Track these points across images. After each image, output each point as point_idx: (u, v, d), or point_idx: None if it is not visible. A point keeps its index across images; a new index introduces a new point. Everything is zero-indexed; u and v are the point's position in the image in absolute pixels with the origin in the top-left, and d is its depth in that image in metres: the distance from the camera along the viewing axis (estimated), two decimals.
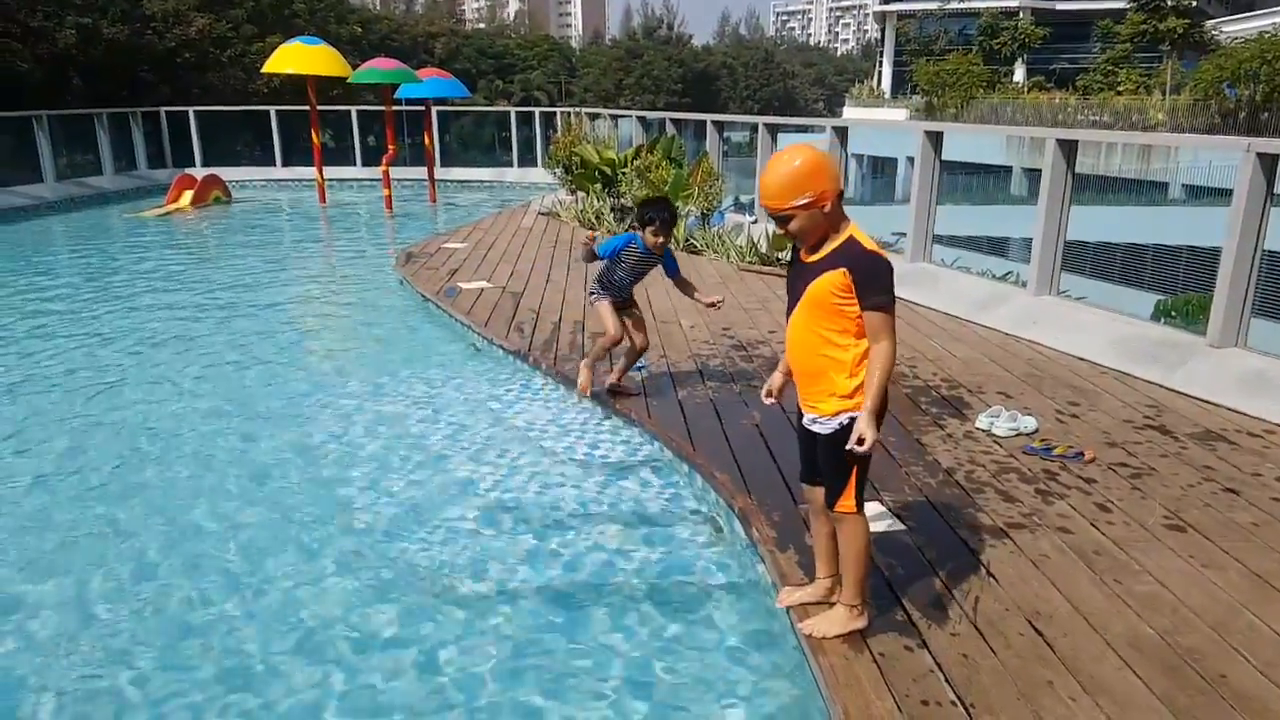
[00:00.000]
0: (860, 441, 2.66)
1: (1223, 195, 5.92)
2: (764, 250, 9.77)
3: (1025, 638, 3.05)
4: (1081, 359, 6.28)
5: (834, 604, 3.09)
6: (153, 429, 5.64)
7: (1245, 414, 5.17)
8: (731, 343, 6.83)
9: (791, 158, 2.60)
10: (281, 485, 4.86)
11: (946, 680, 2.82)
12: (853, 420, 2.73)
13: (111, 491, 4.76)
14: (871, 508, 3.97)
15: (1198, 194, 16.02)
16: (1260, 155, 5.45)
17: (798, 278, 2.79)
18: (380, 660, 3.32)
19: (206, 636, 3.48)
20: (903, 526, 3.84)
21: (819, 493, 2.99)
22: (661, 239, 5.34)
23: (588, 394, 5.76)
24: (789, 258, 2.98)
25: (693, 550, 4.08)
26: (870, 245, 2.67)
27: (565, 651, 3.34)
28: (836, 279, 2.64)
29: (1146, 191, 16.91)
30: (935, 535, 3.77)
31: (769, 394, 3.18)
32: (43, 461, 5.13)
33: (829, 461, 2.87)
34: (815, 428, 2.87)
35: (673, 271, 5.62)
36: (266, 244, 13.06)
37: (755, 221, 10.97)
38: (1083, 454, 4.57)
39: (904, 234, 8.86)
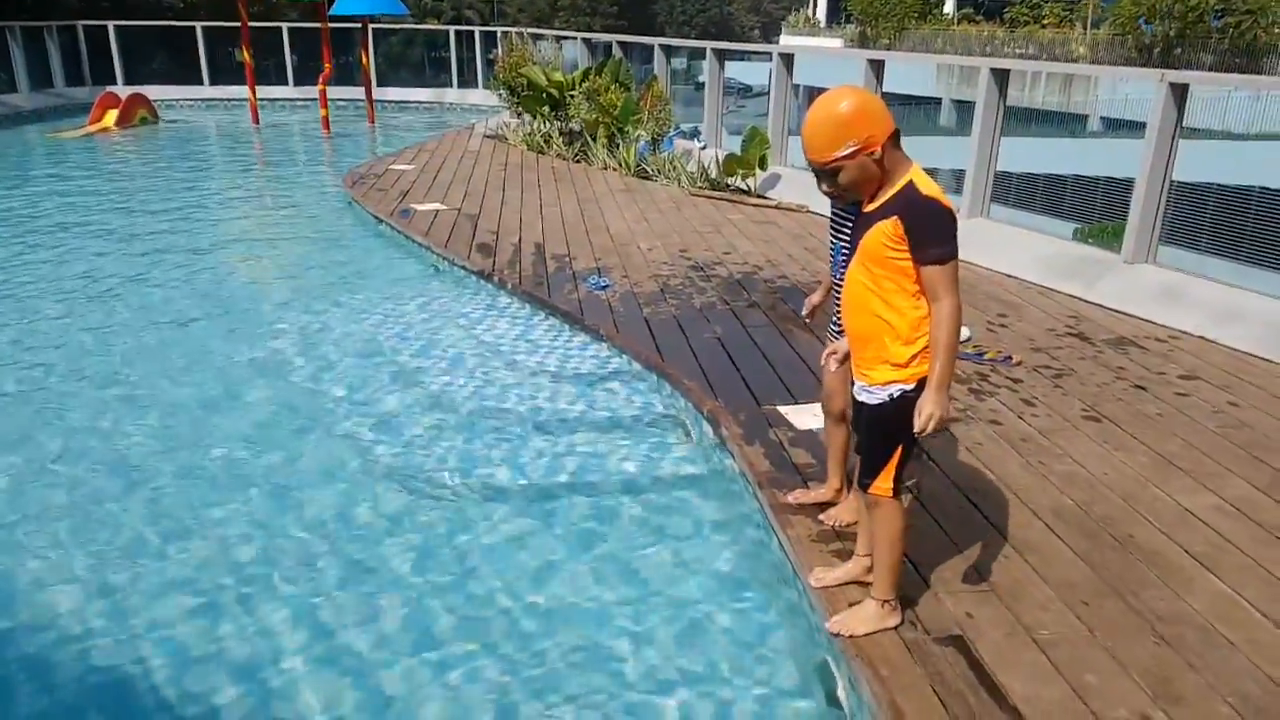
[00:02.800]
0: (928, 421, 2.38)
1: (1138, 128, 6.39)
2: (714, 176, 10.03)
3: (963, 510, 3.52)
4: (1009, 276, 6.79)
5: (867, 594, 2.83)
6: (106, 357, 5.74)
7: (1154, 322, 5.74)
8: (689, 264, 7.14)
9: (832, 103, 2.31)
10: (255, 401, 5.02)
11: None
12: (904, 394, 2.47)
13: (82, 428, 4.88)
14: (816, 407, 4.40)
15: (1115, 126, 16.71)
16: (1172, 85, 5.92)
17: (858, 229, 2.50)
18: (375, 552, 3.59)
19: (203, 538, 3.74)
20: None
21: None
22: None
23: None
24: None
25: (664, 450, 4.44)
26: (929, 190, 2.36)
27: (549, 542, 3.66)
28: (888, 228, 2.34)
29: (1068, 123, 17.57)
30: None
31: (833, 353, 2.91)
32: None
33: (871, 435, 2.62)
34: (863, 396, 2.59)
35: None
36: (203, 167, 12.76)
37: (704, 147, 11.19)
38: (1011, 358, 5.07)
39: None
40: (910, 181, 2.36)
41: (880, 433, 2.58)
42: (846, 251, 2.75)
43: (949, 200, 2.39)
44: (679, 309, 6.01)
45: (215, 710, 2.77)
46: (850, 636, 2.72)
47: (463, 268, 7.15)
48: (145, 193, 10.64)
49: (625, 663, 2.97)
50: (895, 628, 2.77)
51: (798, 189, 9.42)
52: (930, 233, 2.33)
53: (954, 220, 2.38)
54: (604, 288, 6.44)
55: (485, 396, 5.04)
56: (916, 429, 2.41)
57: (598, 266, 7.00)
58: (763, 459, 3.91)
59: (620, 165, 11.12)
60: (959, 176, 8.04)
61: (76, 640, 3.07)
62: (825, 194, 2.71)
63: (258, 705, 2.80)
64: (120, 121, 15.17)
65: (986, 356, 5.09)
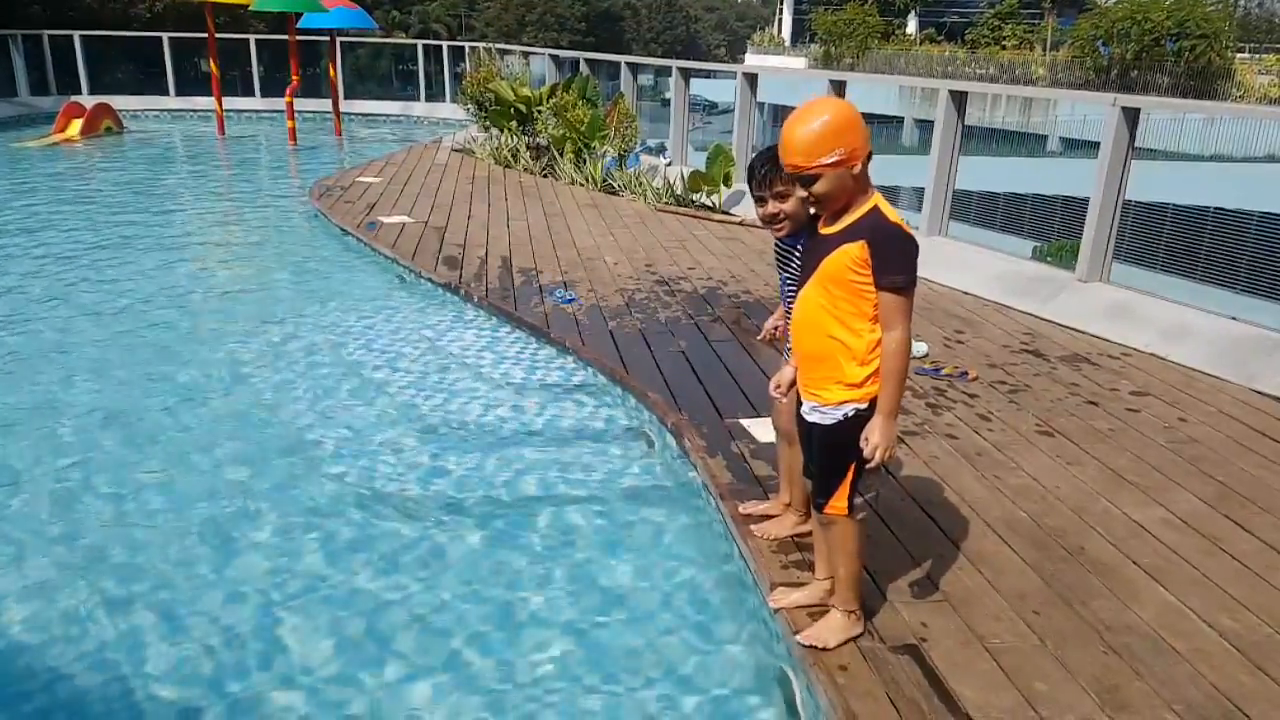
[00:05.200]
0: (874, 451, 2.44)
1: (1095, 147, 6.58)
2: (679, 192, 10.13)
3: (919, 521, 3.59)
4: (966, 293, 6.93)
5: (830, 608, 2.86)
6: (66, 363, 5.67)
7: (1107, 339, 5.89)
8: (655, 278, 7.20)
9: (821, 110, 2.29)
10: (219, 412, 4.98)
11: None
12: (858, 413, 2.49)
13: (41, 433, 4.82)
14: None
15: (1073, 146, 17.10)
16: (1124, 109, 6.11)
17: (812, 252, 2.50)
18: (340, 566, 3.58)
19: (162, 548, 3.71)
20: None
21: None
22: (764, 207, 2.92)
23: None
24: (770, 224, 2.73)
25: (628, 462, 4.47)
26: (895, 218, 2.39)
27: (513, 552, 3.68)
28: (855, 252, 2.34)
29: (1027, 143, 17.95)
30: None
31: (778, 387, 2.92)
32: None
33: (825, 456, 2.61)
34: (814, 417, 2.58)
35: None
36: (168, 176, 12.63)
37: (670, 164, 11.29)
38: (967, 373, 5.18)
39: None
40: (876, 207, 2.38)
41: (834, 453, 2.59)
42: (793, 283, 2.78)
43: (912, 230, 2.43)
44: (644, 323, 6.06)
45: (187, 700, 2.75)
46: (824, 649, 2.75)
47: (429, 280, 7.15)
48: (109, 203, 10.50)
49: (586, 671, 2.99)
50: (857, 637, 2.82)
51: None
52: (895, 259, 2.35)
53: (917, 250, 2.40)
54: (570, 301, 6.47)
55: (451, 408, 5.05)
56: (865, 457, 2.46)
57: (564, 280, 7.04)
58: (725, 471, 3.95)
59: (587, 180, 11.18)
60: (921, 194, 8.19)
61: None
62: (764, 219, 2.77)
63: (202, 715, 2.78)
64: (85, 131, 14.97)
65: (944, 372, 5.19)
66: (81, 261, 7.86)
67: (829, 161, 2.28)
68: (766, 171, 2.76)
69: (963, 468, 4.06)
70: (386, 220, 8.97)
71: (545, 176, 11.93)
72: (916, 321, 6.09)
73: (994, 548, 3.42)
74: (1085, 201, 6.43)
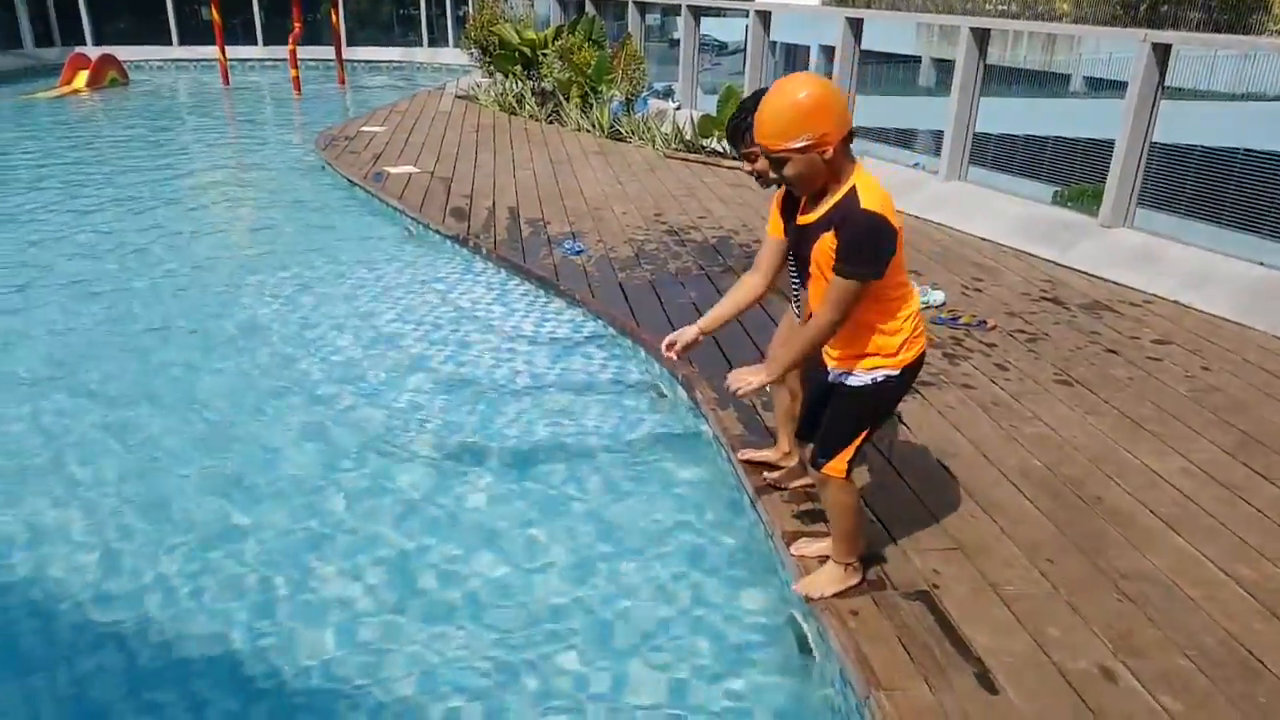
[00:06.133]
0: (736, 381, 2.45)
1: (1121, 88, 6.37)
2: (689, 137, 9.94)
3: (933, 470, 3.55)
4: (986, 239, 6.80)
5: (826, 559, 2.86)
6: (86, 312, 5.67)
7: (1129, 286, 5.77)
8: (664, 228, 7.10)
9: (794, 89, 2.14)
10: (230, 364, 4.98)
11: (867, 504, 3.28)
12: (888, 379, 2.44)
13: (62, 386, 4.83)
14: None
15: (1097, 86, 16.66)
16: (1155, 46, 5.90)
17: (799, 241, 2.39)
18: (356, 512, 3.60)
19: (181, 496, 3.72)
20: None
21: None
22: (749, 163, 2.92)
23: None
24: (784, 196, 2.49)
25: (639, 414, 4.44)
26: (870, 202, 2.20)
27: (524, 502, 3.68)
28: (831, 241, 2.22)
29: (1049, 84, 17.50)
30: None
31: (670, 346, 2.68)
32: None
33: (840, 414, 2.53)
34: (843, 379, 2.51)
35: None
36: (173, 128, 12.53)
37: (679, 108, 11.08)
38: (985, 322, 5.09)
39: None
40: (853, 188, 2.21)
41: (852, 413, 2.53)
42: (795, 275, 2.82)
43: (891, 209, 2.22)
44: (654, 274, 5.98)
45: (221, 645, 2.78)
46: (820, 598, 2.77)
47: (437, 232, 7.08)
48: (115, 156, 10.43)
49: (600, 617, 3.00)
50: (857, 585, 2.82)
51: None
52: (858, 251, 2.19)
53: (891, 238, 2.22)
54: (579, 253, 6.39)
55: (462, 361, 5.02)
56: (728, 382, 2.45)
57: (572, 231, 6.95)
58: (736, 422, 3.92)
59: (594, 126, 11.00)
60: (938, 137, 8.01)
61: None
62: (749, 173, 2.69)
63: (236, 657, 2.81)
64: (91, 83, 14.87)
65: (961, 321, 5.10)
66: (89, 214, 7.82)
67: (796, 146, 2.15)
68: (736, 125, 2.70)
69: (979, 417, 4.00)
70: (393, 171, 8.87)
71: (551, 123, 11.75)
72: (935, 269, 6.06)
73: (1009, 497, 3.38)
74: (1109, 144, 6.25)
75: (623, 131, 10.65)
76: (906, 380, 2.52)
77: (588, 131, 11.09)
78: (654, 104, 11.35)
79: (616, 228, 7.08)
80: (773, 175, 2.35)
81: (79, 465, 3.92)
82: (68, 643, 2.90)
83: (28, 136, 11.33)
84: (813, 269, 2.34)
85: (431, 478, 3.86)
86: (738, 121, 2.71)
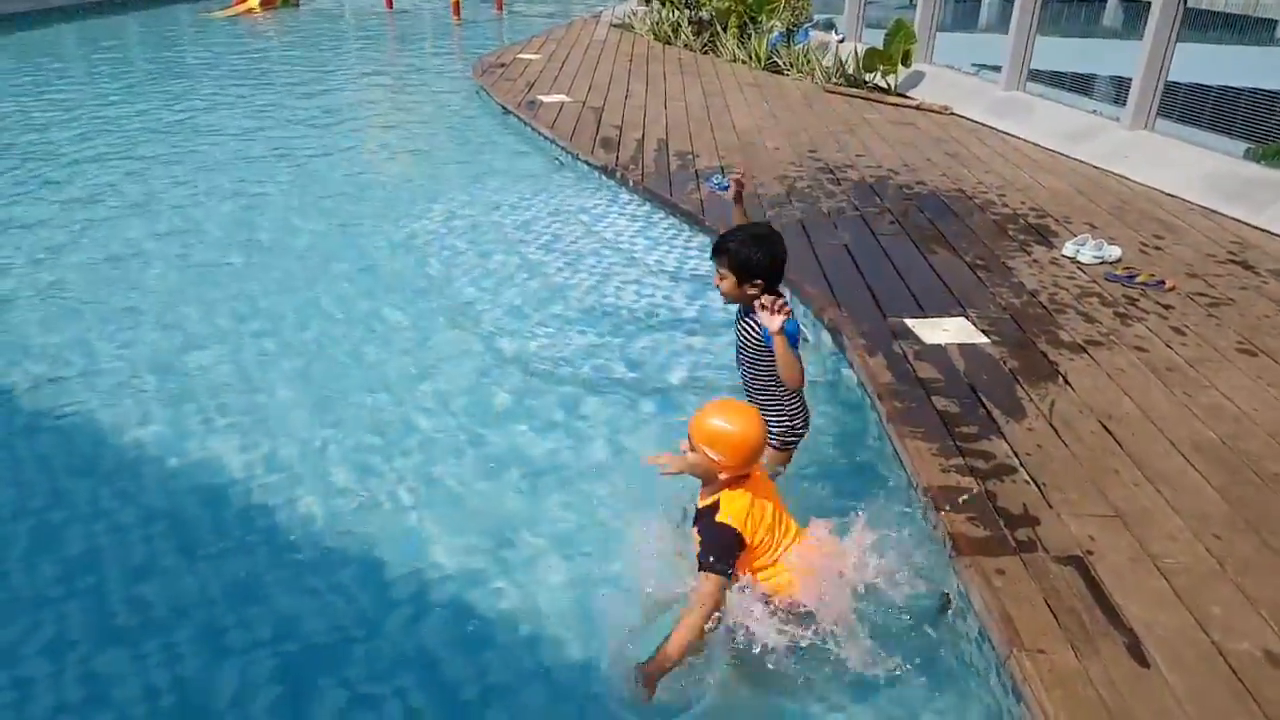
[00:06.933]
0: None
1: None
2: (851, 71, 9.57)
3: (1096, 435, 3.37)
4: (1169, 194, 6.30)
5: None
6: (256, 225, 6.06)
7: None
8: (818, 165, 6.91)
9: (732, 420, 2.48)
10: (385, 283, 5.20)
11: (1022, 464, 3.17)
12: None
13: (230, 291, 5.16)
14: (955, 322, 4.26)
15: None
16: None
17: (698, 518, 2.64)
18: (498, 428, 3.76)
19: (345, 405, 3.96)
20: (986, 340, 4.11)
21: None
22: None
23: None
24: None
25: None
26: (724, 514, 2.51)
27: (660, 435, 3.71)
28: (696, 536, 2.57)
29: (1251, 30, 15.84)
30: (1017, 348, 4.04)
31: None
32: (176, 244, 5.58)
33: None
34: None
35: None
36: (341, 50, 13.05)
37: (842, 40, 10.66)
38: (1164, 282, 4.74)
39: (985, 66, 8.66)
40: (717, 502, 2.53)
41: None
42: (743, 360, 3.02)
43: (740, 522, 2.49)
44: (804, 213, 5.85)
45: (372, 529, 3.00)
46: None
47: (586, 162, 7.13)
48: (284, 76, 10.97)
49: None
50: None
51: (942, 89, 8.90)
52: (706, 550, 2.49)
53: (726, 546, 2.48)
54: (726, 188, 6.25)
55: (604, 292, 5.08)
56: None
57: (721, 165, 6.86)
58: (885, 371, 3.82)
59: (750, 58, 10.73)
60: (1121, 84, 7.41)
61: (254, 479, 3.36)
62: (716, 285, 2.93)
63: (399, 549, 3.03)
64: (264, 3, 15.59)
65: (1138, 279, 4.77)
66: (255, 135, 8.28)
67: (706, 452, 2.47)
68: (727, 247, 2.84)
69: (1150, 382, 3.76)
70: (546, 99, 8.95)
71: (706, 53, 11.54)
72: (1112, 222, 5.68)
73: (1177, 467, 3.19)
74: None
75: (780, 64, 10.36)
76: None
77: (743, 63, 10.84)
78: (815, 36, 10.95)
79: (768, 163, 6.94)
80: (732, 287, 2.79)
81: (254, 368, 4.24)
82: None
83: (205, 53, 12.04)
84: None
85: (569, 402, 3.96)
86: (729, 243, 2.85)
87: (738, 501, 2.55)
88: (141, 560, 3.02)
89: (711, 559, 2.49)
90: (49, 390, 3.99)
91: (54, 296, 4.90)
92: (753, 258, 2.78)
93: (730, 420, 2.49)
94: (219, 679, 2.58)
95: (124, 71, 10.98)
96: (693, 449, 2.52)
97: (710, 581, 2.50)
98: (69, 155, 7.42)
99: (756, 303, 2.70)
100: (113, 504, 3.28)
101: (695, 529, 2.60)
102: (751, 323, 2.90)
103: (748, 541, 2.53)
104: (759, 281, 2.80)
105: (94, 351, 4.33)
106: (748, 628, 2.52)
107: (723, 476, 2.53)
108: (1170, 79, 6.93)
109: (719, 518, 2.53)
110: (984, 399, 3.59)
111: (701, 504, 2.60)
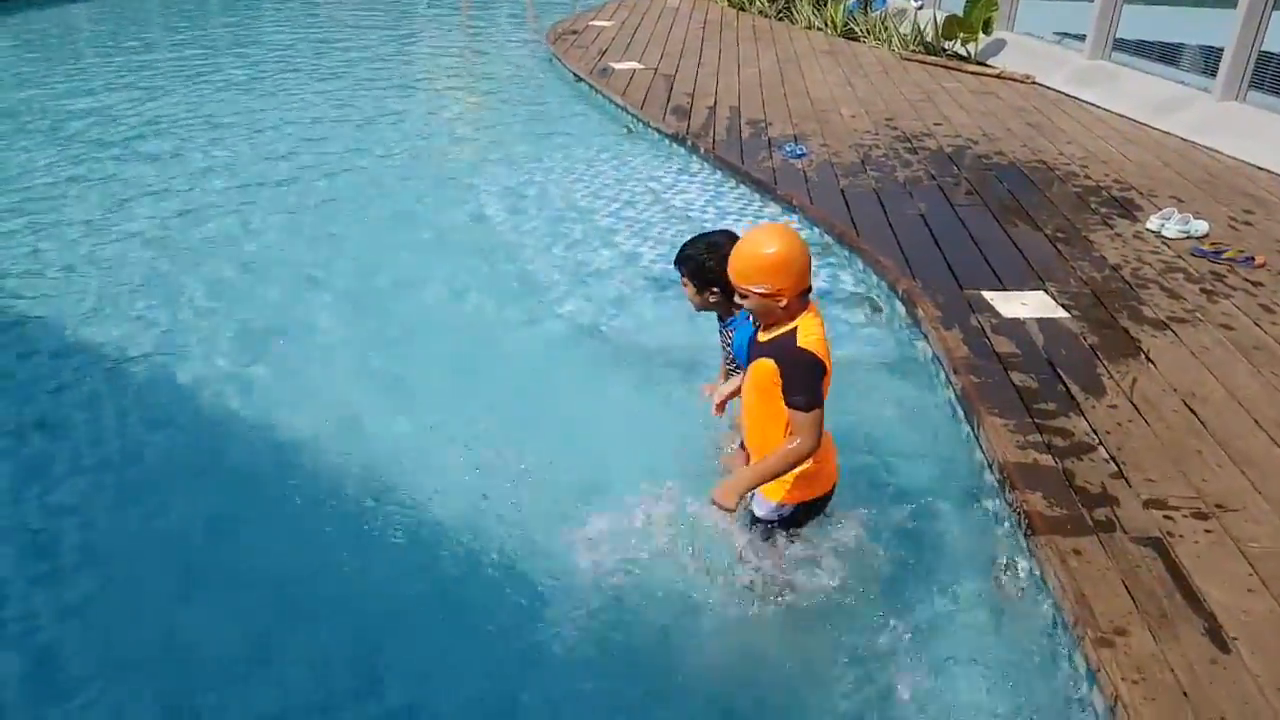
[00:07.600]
0: (711, 500, 2.57)
1: None
2: (930, 39, 9.33)
3: (1179, 415, 3.30)
4: (1262, 169, 6.04)
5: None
6: (327, 184, 6.21)
7: None
8: (895, 134, 6.79)
9: (765, 243, 2.38)
10: (459, 249, 5.27)
11: (1101, 443, 3.13)
12: (794, 512, 2.67)
13: (303, 241, 5.33)
14: (1034, 296, 4.19)
15: None
16: None
17: (750, 351, 2.58)
18: (563, 398, 3.80)
19: (415, 363, 4.08)
20: (1066, 314, 4.03)
21: None
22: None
23: None
24: None
25: (849, 328, 4.35)
26: (804, 340, 2.41)
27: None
28: (768, 367, 2.46)
29: None
30: (1098, 324, 3.96)
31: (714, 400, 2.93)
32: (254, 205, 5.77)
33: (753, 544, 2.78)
34: (752, 507, 2.72)
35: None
36: (408, 14, 13.14)
37: (921, 7, 10.39)
38: (1253, 259, 4.58)
39: (1069, 34, 8.35)
40: (795, 329, 2.44)
41: (759, 542, 2.76)
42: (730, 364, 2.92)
43: (824, 351, 2.43)
44: (880, 182, 5.77)
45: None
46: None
47: (657, 130, 7.12)
48: (352, 40, 11.11)
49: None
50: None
51: (1024, 57, 8.63)
52: (794, 382, 2.42)
53: (816, 373, 2.42)
54: (800, 156, 6.25)
55: (670, 262, 5.06)
56: (712, 498, 2.56)
57: (794, 133, 6.78)
58: (961, 344, 3.78)
59: (826, 24, 10.54)
60: (1210, 54, 7.09)
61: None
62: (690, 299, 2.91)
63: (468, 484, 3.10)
64: None
65: (1225, 255, 4.62)
66: (319, 101, 8.38)
67: (758, 291, 2.39)
68: (690, 256, 2.86)
69: (1236, 361, 3.66)
70: (618, 66, 8.94)
71: (781, 20, 11.37)
72: (1200, 197, 5.50)
73: (1264, 450, 3.11)
74: None
75: (857, 30, 10.16)
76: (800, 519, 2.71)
77: (819, 29, 10.66)
78: (894, 2, 10.70)
79: (843, 131, 6.84)
80: (695, 294, 2.84)
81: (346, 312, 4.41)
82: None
83: (277, 15, 12.24)
84: (748, 377, 2.57)
85: (635, 372, 3.98)
86: (686, 252, 2.89)
87: (815, 331, 2.46)
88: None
89: (802, 399, 2.41)
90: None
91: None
92: (706, 265, 2.82)
93: (764, 244, 2.37)
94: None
95: (199, 36, 11.26)
96: (744, 296, 2.41)
97: (809, 417, 2.42)
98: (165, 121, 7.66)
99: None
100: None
101: (772, 360, 2.43)
102: (729, 335, 2.92)
103: (828, 368, 2.44)
104: (716, 289, 2.83)
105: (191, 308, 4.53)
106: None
107: (782, 305, 2.39)
108: (1264, 49, 6.62)
109: (800, 342, 2.42)
110: (1063, 375, 3.54)
111: (766, 337, 2.48)
